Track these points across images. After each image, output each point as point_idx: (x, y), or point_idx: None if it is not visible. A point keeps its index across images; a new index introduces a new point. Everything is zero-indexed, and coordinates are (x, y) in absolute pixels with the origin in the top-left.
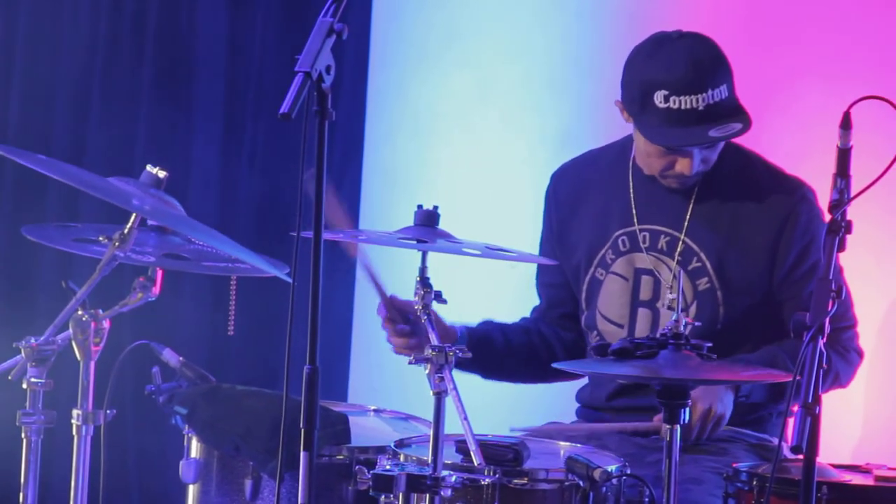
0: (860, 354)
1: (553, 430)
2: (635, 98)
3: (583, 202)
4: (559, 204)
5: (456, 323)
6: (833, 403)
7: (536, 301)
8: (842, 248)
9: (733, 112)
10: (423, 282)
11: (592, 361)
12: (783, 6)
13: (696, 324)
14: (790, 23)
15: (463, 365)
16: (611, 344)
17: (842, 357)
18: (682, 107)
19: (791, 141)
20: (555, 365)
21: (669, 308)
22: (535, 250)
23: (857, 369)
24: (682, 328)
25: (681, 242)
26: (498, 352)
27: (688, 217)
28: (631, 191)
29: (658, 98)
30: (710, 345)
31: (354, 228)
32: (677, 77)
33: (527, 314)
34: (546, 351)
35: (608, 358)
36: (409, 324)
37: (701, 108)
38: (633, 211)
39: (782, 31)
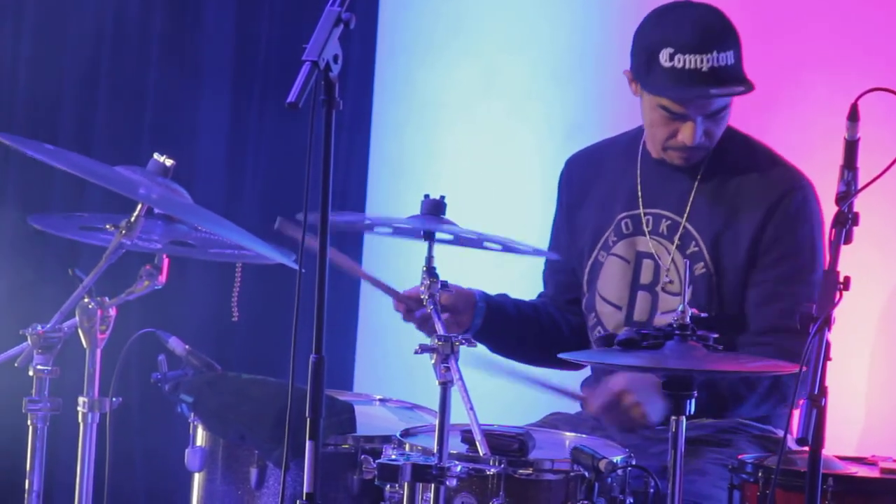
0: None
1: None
2: (641, 61)
3: (593, 188)
4: (571, 189)
5: (473, 288)
6: (836, 395)
7: (540, 288)
8: (848, 240)
9: (737, 79)
10: (430, 271)
11: (598, 352)
12: None
13: (703, 315)
14: (795, 16)
15: (476, 335)
16: (616, 334)
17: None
18: (687, 66)
19: (797, 135)
20: (561, 355)
21: (665, 291)
22: (542, 240)
23: None
24: (687, 319)
25: (681, 227)
26: (510, 322)
27: (690, 202)
28: (638, 175)
29: (663, 56)
30: (716, 336)
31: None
32: (684, 37)
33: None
34: (554, 330)
35: (614, 348)
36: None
37: (705, 68)
38: (640, 194)
39: (787, 24)
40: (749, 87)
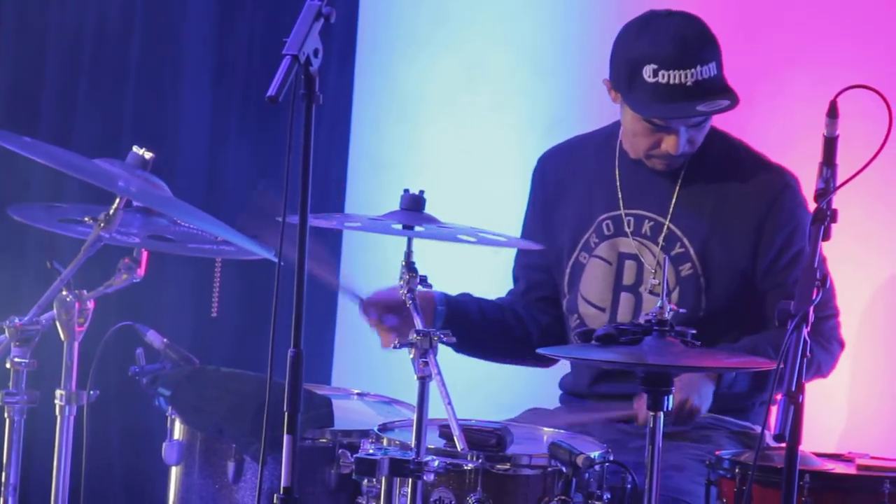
0: (842, 345)
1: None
2: (623, 74)
3: (569, 186)
4: (545, 186)
5: (434, 290)
6: (818, 392)
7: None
8: (827, 237)
9: (721, 90)
10: (409, 266)
11: (576, 347)
12: None
13: (682, 311)
14: (775, 9)
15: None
16: (595, 330)
17: (823, 348)
18: (671, 81)
19: (777, 128)
20: (540, 350)
21: (652, 293)
22: (520, 234)
23: (839, 359)
24: (666, 315)
25: (665, 228)
26: (472, 323)
27: (673, 202)
28: (617, 175)
29: (647, 72)
30: (694, 332)
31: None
32: (667, 52)
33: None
34: (520, 329)
35: (592, 344)
36: (396, 313)
37: (689, 83)
38: (619, 195)
39: (769, 16)
40: (734, 99)
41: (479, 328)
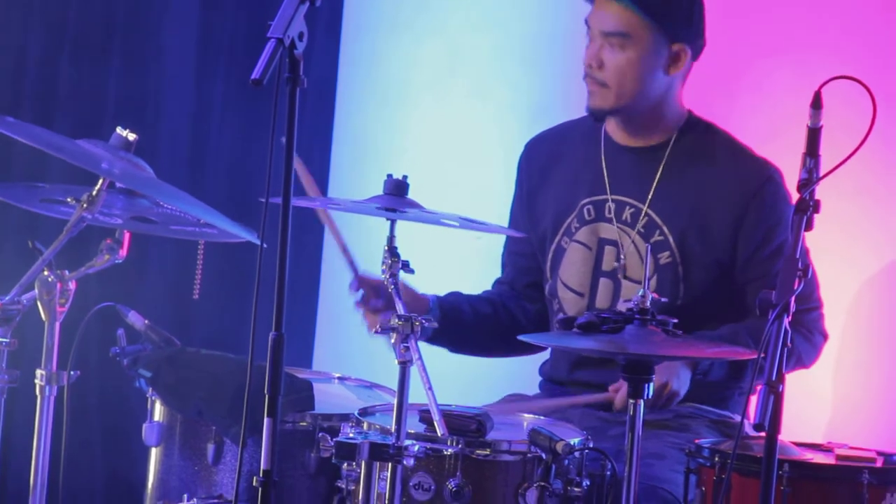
0: (824, 337)
1: (511, 407)
2: None
3: (553, 171)
4: (531, 172)
5: (427, 293)
6: (802, 383)
7: (499, 273)
8: (809, 227)
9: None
10: (392, 251)
11: (557, 335)
12: None
13: (663, 299)
14: None
15: (432, 338)
16: (576, 317)
17: (805, 339)
18: None
19: (761, 117)
20: (520, 337)
21: (626, 278)
22: (504, 221)
23: (822, 351)
24: (648, 303)
25: (640, 213)
26: (466, 322)
27: (652, 189)
28: (603, 160)
29: None
30: (675, 321)
31: (323, 196)
32: None
33: (490, 284)
34: (510, 323)
35: (573, 331)
36: (383, 298)
37: None
38: (606, 180)
39: (751, 5)
40: (647, 13)
41: (473, 326)
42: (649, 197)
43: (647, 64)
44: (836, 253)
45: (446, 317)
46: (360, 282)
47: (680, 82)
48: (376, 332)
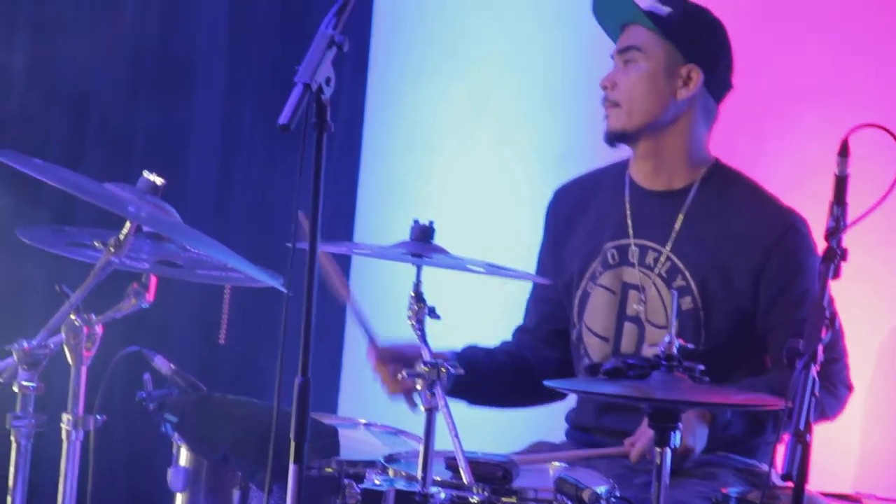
0: (849, 388)
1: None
2: None
3: (581, 218)
4: (558, 219)
5: (443, 349)
6: (830, 433)
7: (520, 320)
8: (836, 275)
9: (657, 19)
10: (418, 296)
11: (584, 380)
12: (784, 26)
13: (690, 346)
14: (786, 45)
15: (451, 391)
16: (602, 363)
17: (829, 391)
18: None
19: (786, 165)
20: (547, 383)
21: (650, 323)
22: (530, 266)
23: (846, 403)
24: (674, 349)
25: (665, 258)
26: (485, 375)
27: (674, 233)
28: (627, 204)
29: None
30: (702, 367)
31: (349, 294)
32: None
33: (511, 333)
34: (529, 374)
35: (599, 377)
36: (405, 365)
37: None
38: (629, 223)
39: (778, 53)
40: (662, 29)
41: (492, 379)
42: (671, 241)
43: (657, 81)
44: (862, 304)
45: (464, 370)
46: (377, 349)
47: (702, 120)
48: (401, 378)
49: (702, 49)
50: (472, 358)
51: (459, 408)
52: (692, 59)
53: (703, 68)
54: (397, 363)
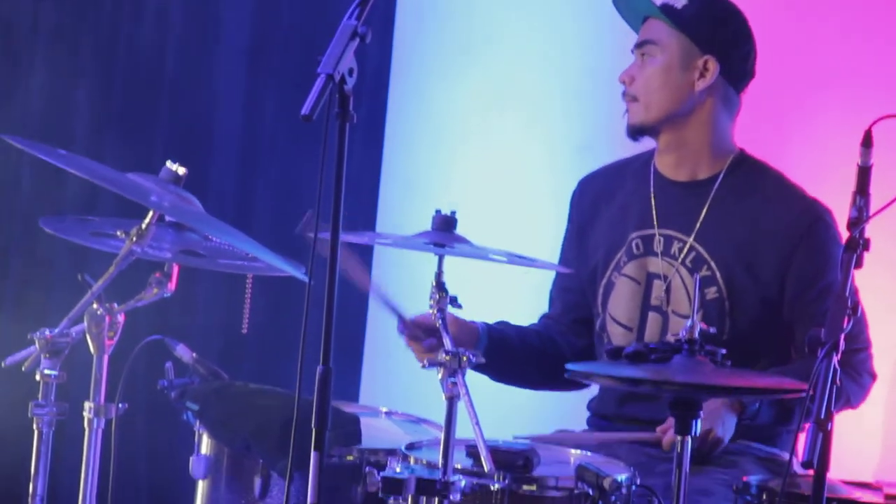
0: (872, 377)
1: (558, 438)
2: None
3: (605, 208)
4: (582, 209)
5: (476, 321)
6: (852, 421)
7: (543, 310)
8: (859, 265)
9: (673, 15)
10: (439, 286)
11: (605, 363)
12: (809, 17)
13: (712, 330)
14: (811, 35)
15: (476, 365)
16: (624, 347)
17: (853, 379)
18: None
19: (815, 152)
20: (568, 366)
21: (674, 313)
22: (553, 256)
23: (869, 391)
24: (696, 334)
25: (689, 248)
26: (513, 352)
27: (699, 223)
28: (652, 194)
29: None
30: (724, 351)
31: (370, 284)
32: None
33: (538, 319)
34: (558, 357)
35: (621, 361)
36: (433, 335)
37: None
38: (654, 213)
39: (803, 43)
40: (676, 22)
41: (520, 356)
42: (696, 231)
43: (673, 74)
44: (885, 293)
45: (493, 345)
46: (408, 326)
47: (724, 111)
48: (423, 366)
49: (717, 40)
50: (502, 333)
51: (480, 397)
52: (708, 51)
53: (720, 59)
54: (428, 334)
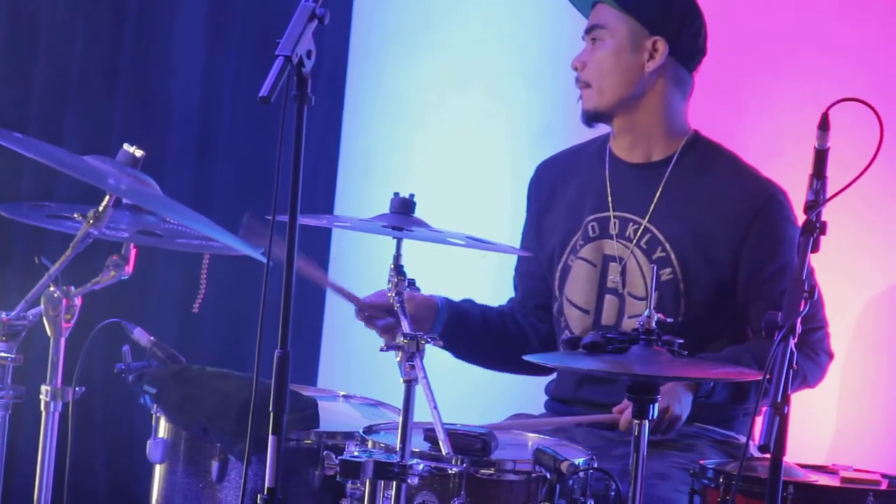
0: (830, 356)
1: (515, 424)
2: None
3: (562, 192)
4: (540, 194)
5: (437, 295)
6: (806, 403)
7: (510, 292)
8: (815, 249)
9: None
10: (398, 269)
11: (563, 355)
12: None
13: (669, 320)
14: (767, 19)
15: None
16: (581, 338)
17: (810, 359)
18: None
19: (763, 133)
20: (526, 357)
21: (630, 295)
22: (512, 239)
23: (827, 371)
24: (653, 323)
25: (643, 229)
26: (473, 330)
27: (653, 204)
28: (607, 177)
29: None
30: (681, 341)
31: (327, 279)
32: None
33: (498, 303)
34: (520, 338)
35: (579, 352)
36: (392, 314)
37: None
38: (609, 197)
39: (759, 27)
40: (623, 5)
41: (480, 335)
42: (650, 212)
43: (623, 57)
44: (842, 272)
45: (452, 321)
46: (363, 308)
47: (676, 91)
48: (381, 349)
49: (665, 20)
50: (463, 310)
51: (438, 380)
52: (656, 31)
53: (668, 39)
54: (385, 314)
